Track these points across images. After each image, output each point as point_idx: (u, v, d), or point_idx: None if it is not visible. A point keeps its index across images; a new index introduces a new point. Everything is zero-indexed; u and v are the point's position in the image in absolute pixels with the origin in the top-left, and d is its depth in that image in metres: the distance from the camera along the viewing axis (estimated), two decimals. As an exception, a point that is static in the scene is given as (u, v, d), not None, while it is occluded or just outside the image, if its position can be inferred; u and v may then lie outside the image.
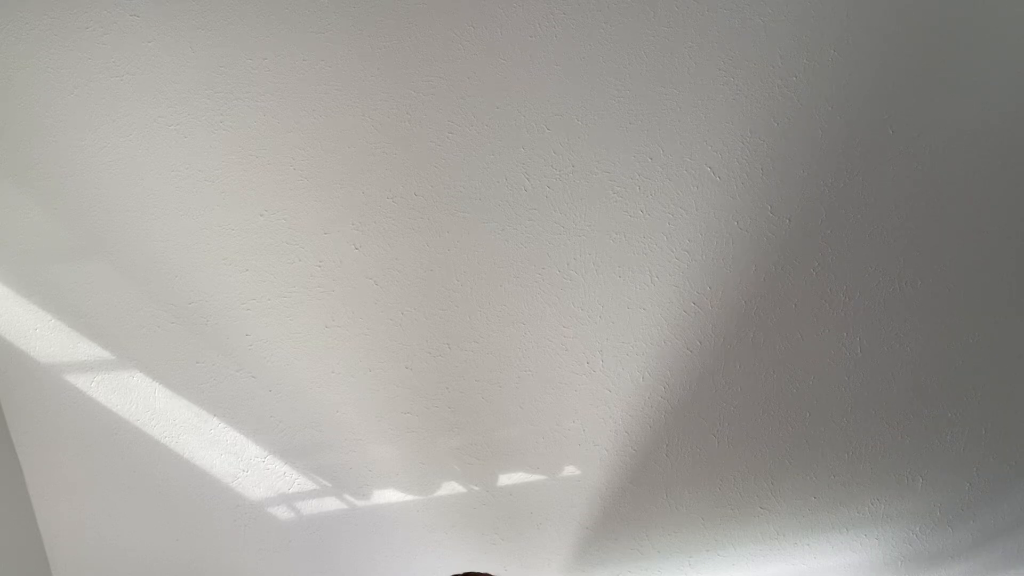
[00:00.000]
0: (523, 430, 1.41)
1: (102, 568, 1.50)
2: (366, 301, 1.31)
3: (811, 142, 1.22)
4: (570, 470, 1.46)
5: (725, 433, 1.42)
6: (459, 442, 1.42)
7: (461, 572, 1.02)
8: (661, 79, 1.19)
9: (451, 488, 1.47)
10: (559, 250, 1.29)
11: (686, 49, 1.17)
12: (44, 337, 1.31)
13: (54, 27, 1.13)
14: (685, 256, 1.29)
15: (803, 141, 1.22)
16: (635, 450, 1.43)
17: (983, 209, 1.28)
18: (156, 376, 1.34)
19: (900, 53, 1.18)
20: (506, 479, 1.46)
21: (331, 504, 1.46)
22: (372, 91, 1.18)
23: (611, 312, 1.33)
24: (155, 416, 1.37)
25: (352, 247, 1.27)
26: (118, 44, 1.14)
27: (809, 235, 1.28)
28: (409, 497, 1.47)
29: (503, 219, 1.26)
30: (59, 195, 1.22)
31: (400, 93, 1.18)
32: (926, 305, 1.34)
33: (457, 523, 1.49)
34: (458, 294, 1.31)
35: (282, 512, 1.47)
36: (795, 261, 1.30)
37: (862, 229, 1.28)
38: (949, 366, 1.39)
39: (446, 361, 1.35)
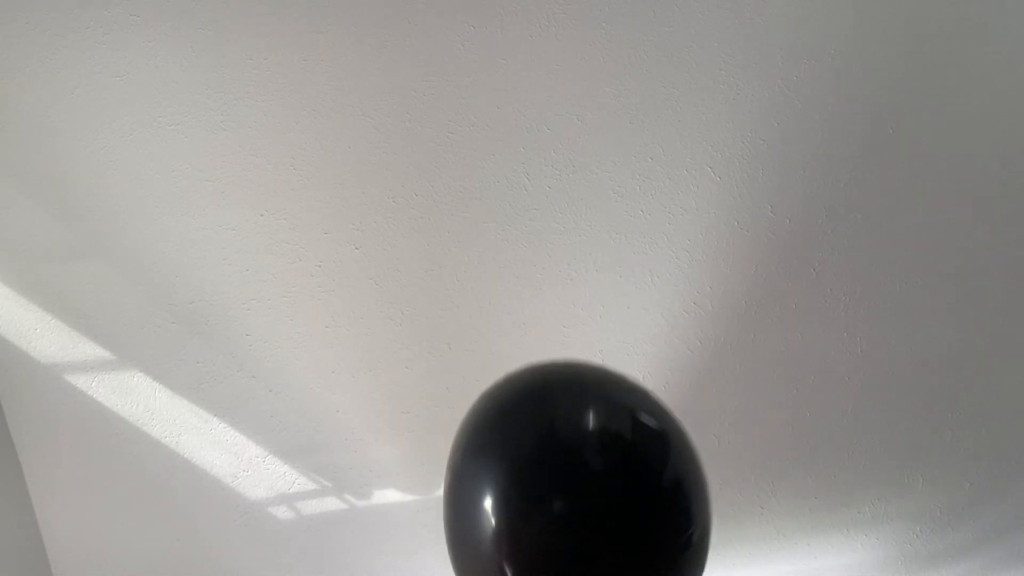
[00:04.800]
0: (523, 430, 1.41)
1: (102, 568, 1.50)
2: (366, 301, 1.30)
3: (811, 142, 1.22)
4: (570, 470, 1.45)
5: (725, 433, 1.42)
6: (459, 442, 1.42)
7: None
8: (661, 79, 1.19)
9: (451, 488, 1.46)
10: (559, 250, 1.29)
11: (686, 49, 1.17)
12: (44, 337, 1.31)
13: (54, 27, 1.13)
14: (685, 256, 1.29)
15: (803, 141, 1.22)
16: (635, 450, 1.43)
17: (983, 209, 1.28)
18: (156, 376, 1.34)
19: (900, 53, 1.18)
20: (506, 479, 1.45)
21: (331, 504, 1.46)
22: (372, 91, 1.18)
23: (611, 312, 1.33)
24: (155, 416, 1.37)
25: (352, 247, 1.27)
26: (118, 44, 1.14)
27: (809, 235, 1.28)
28: (409, 497, 1.47)
29: (503, 219, 1.26)
30: (59, 195, 1.22)
31: (400, 93, 1.18)
32: (926, 305, 1.34)
33: (457, 523, 1.48)
34: (458, 294, 1.31)
35: (282, 512, 1.47)
36: (795, 261, 1.30)
37: (862, 229, 1.28)
38: (949, 366, 1.39)
39: (446, 361, 1.35)
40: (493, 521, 0.54)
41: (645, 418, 0.57)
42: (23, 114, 1.17)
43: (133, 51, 1.15)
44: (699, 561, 0.56)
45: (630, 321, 1.33)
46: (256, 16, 1.13)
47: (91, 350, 1.32)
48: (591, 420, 0.56)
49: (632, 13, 1.15)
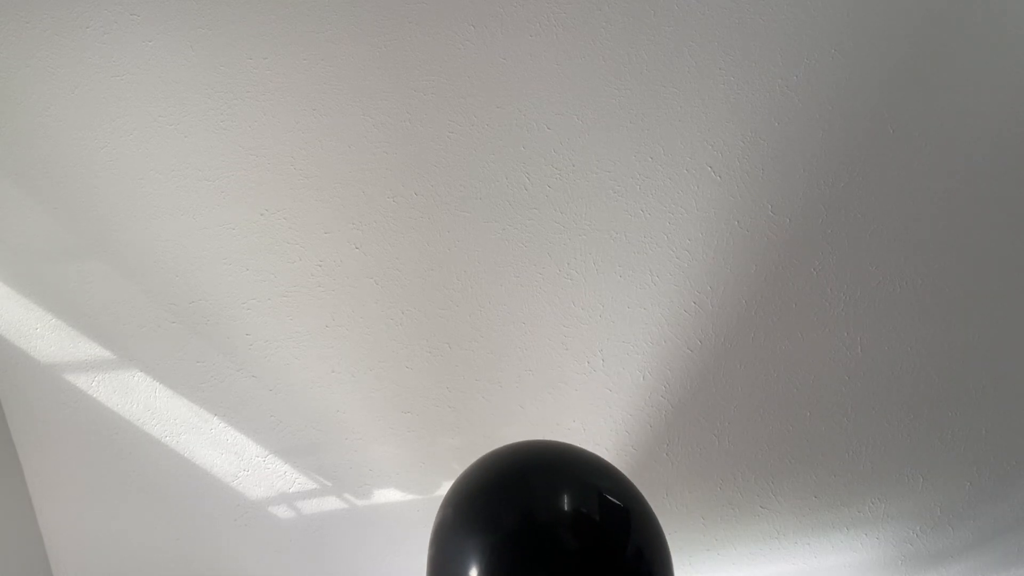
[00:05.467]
0: (523, 429, 1.41)
1: (102, 568, 1.50)
2: (366, 301, 1.31)
3: (811, 142, 1.22)
4: (570, 470, 1.45)
5: (725, 433, 1.42)
6: (459, 441, 1.42)
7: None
8: (661, 79, 1.19)
9: (451, 488, 1.46)
10: (559, 249, 1.29)
11: (686, 49, 1.17)
12: (44, 337, 1.31)
13: (54, 27, 1.13)
14: (685, 255, 1.29)
15: (803, 141, 1.22)
16: (635, 450, 1.43)
17: (983, 208, 1.28)
18: (156, 376, 1.34)
19: (900, 53, 1.18)
20: (506, 479, 1.45)
21: (331, 503, 1.47)
22: (372, 91, 1.18)
23: (611, 311, 1.33)
24: (155, 416, 1.37)
25: (352, 247, 1.27)
26: (118, 44, 1.14)
27: (809, 235, 1.28)
28: (409, 497, 1.47)
29: (503, 218, 1.26)
30: (59, 195, 1.22)
31: (400, 93, 1.18)
32: (926, 305, 1.34)
33: (457, 523, 1.48)
34: (458, 293, 1.31)
35: (282, 512, 1.47)
36: (795, 261, 1.30)
37: (862, 229, 1.28)
38: (949, 366, 1.39)
39: (446, 360, 1.35)
40: None
41: (610, 496, 0.64)
42: (23, 113, 1.17)
43: (133, 51, 1.15)
44: None
45: (630, 321, 1.33)
46: (256, 16, 1.13)
47: (91, 350, 1.32)
48: (563, 501, 0.64)
49: (632, 13, 1.15)
